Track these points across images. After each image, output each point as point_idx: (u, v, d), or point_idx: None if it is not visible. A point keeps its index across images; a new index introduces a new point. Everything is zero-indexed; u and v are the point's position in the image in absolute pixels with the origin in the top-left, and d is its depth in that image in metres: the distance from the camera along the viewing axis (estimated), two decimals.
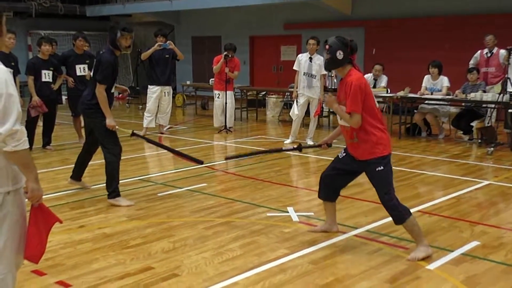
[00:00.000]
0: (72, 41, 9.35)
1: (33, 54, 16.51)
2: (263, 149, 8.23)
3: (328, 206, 4.60)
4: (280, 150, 5.26)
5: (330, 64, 4.22)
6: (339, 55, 4.12)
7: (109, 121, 5.49)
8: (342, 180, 4.46)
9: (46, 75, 8.58)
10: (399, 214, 4.11)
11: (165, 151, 8.77)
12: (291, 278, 3.75)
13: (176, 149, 6.17)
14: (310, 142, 9.11)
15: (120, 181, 5.94)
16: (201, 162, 5.98)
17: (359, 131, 4.10)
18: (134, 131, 5.91)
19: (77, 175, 6.12)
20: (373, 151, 4.09)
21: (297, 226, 4.89)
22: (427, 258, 4.09)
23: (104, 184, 5.80)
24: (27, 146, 2.61)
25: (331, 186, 4.45)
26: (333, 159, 4.52)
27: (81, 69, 9.03)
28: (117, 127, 5.58)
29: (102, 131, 5.55)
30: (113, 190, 5.59)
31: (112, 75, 5.57)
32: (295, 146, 4.92)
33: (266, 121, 12.99)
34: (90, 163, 6.17)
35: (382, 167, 4.09)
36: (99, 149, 5.89)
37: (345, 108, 4.09)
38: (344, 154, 4.36)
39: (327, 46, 4.18)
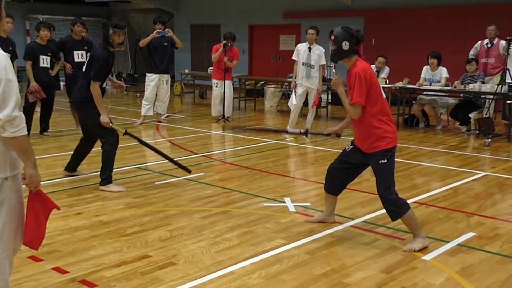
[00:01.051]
0: (70, 27, 9.31)
1: (31, 39, 16.46)
2: (257, 143, 8.22)
3: (330, 199, 4.60)
4: (285, 131, 5.24)
5: (336, 55, 4.14)
6: (345, 45, 4.04)
7: (103, 118, 5.53)
8: (349, 174, 4.43)
9: (44, 61, 8.55)
10: (397, 210, 4.09)
11: (163, 140, 8.78)
12: (287, 268, 3.76)
13: (166, 155, 6.16)
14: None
15: (118, 169, 5.97)
16: (189, 171, 6.02)
17: (363, 124, 4.07)
18: (127, 131, 5.89)
19: (73, 167, 6.15)
20: (378, 144, 4.06)
21: (294, 217, 4.90)
22: (423, 249, 4.11)
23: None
24: (25, 132, 2.61)
25: (338, 179, 4.43)
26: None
27: (79, 55, 8.99)
28: (111, 124, 5.58)
29: (97, 122, 5.56)
30: (106, 177, 5.66)
31: (105, 71, 5.57)
32: (302, 131, 4.84)
33: (264, 111, 12.98)
34: None
35: (385, 160, 4.06)
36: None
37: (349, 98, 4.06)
38: (351, 147, 4.33)
39: (332, 37, 4.10)
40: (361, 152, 4.22)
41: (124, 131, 5.84)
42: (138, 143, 6.05)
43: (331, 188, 4.51)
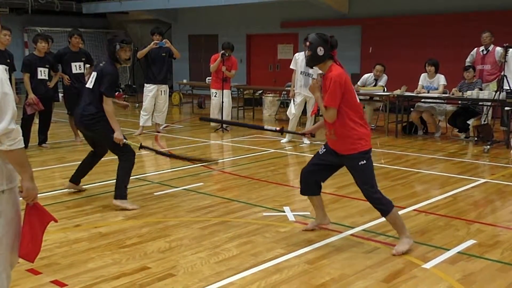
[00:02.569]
0: (67, 39, 9.32)
1: (29, 51, 16.48)
2: (254, 149, 8.23)
3: (314, 201, 4.66)
4: (262, 128, 5.32)
5: (311, 61, 4.28)
6: (320, 51, 4.18)
7: (117, 135, 5.34)
8: (323, 174, 4.53)
9: (42, 73, 8.56)
10: (384, 207, 4.20)
11: (162, 150, 8.77)
12: (287, 278, 3.74)
13: (189, 157, 6.10)
14: (306, 141, 9.11)
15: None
16: (216, 162, 5.89)
17: (340, 126, 4.16)
18: (142, 144, 5.86)
19: (76, 178, 5.96)
20: (355, 147, 4.16)
21: (293, 226, 4.89)
22: (422, 257, 4.10)
23: (100, 183, 5.82)
24: (22, 145, 2.60)
25: (312, 181, 4.52)
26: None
27: (77, 67, 8.99)
28: (124, 140, 5.42)
29: (110, 139, 5.38)
30: (121, 192, 5.43)
31: (115, 87, 5.49)
32: (278, 129, 4.90)
33: (262, 120, 12.98)
34: None
35: (364, 161, 4.17)
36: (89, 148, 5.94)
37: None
38: (324, 150, 4.42)
39: (307, 43, 4.25)
40: (335, 154, 4.30)
41: (139, 145, 5.76)
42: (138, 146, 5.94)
43: (308, 191, 4.57)
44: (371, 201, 4.24)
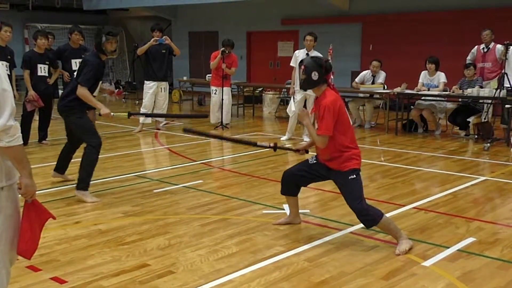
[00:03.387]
0: (68, 35, 9.31)
1: (30, 48, 16.47)
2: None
3: (290, 200, 4.74)
4: (254, 144, 5.31)
5: (306, 85, 4.35)
6: (314, 75, 4.24)
7: (103, 110, 5.57)
8: (306, 181, 4.61)
9: (42, 69, 8.55)
10: (370, 218, 4.19)
11: (162, 147, 8.77)
12: (286, 275, 3.74)
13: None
14: (306, 139, 9.10)
15: (116, 177, 5.95)
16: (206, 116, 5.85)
17: (332, 151, 4.23)
18: (130, 112, 5.92)
19: (60, 168, 6.16)
20: (346, 164, 4.22)
21: (293, 224, 4.87)
22: (422, 255, 4.10)
23: (100, 180, 5.82)
24: (21, 141, 2.59)
25: (292, 183, 4.60)
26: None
27: (77, 63, 8.91)
28: (112, 113, 5.63)
29: (79, 126, 5.62)
30: (82, 180, 5.54)
31: (95, 78, 5.55)
32: (271, 145, 4.90)
33: (262, 117, 12.98)
34: None
35: (354, 176, 4.21)
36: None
37: (316, 128, 4.24)
38: (314, 161, 4.46)
39: (302, 67, 4.31)
40: (326, 168, 4.35)
41: (127, 113, 5.87)
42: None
43: (286, 191, 4.66)
44: (357, 213, 4.20)
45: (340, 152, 4.21)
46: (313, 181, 4.61)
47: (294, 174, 4.57)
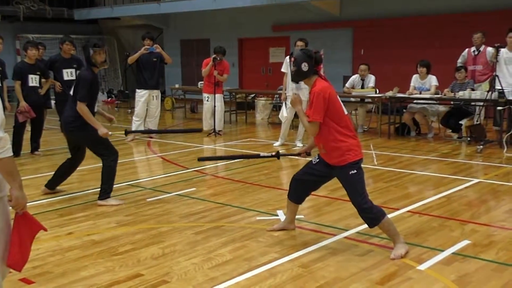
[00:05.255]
0: (59, 45, 9.28)
1: (21, 58, 16.42)
2: (247, 152, 8.21)
3: (291, 206, 4.73)
4: (257, 157, 5.39)
5: (296, 76, 4.37)
6: (304, 67, 4.25)
7: (101, 130, 5.58)
8: (313, 184, 4.58)
9: (33, 80, 8.51)
10: (374, 216, 4.19)
11: (154, 155, 8.75)
12: (281, 282, 3.72)
13: (174, 129, 6.14)
14: (299, 144, 9.11)
15: None
16: (200, 130, 5.92)
17: (328, 140, 4.20)
18: (127, 130, 5.93)
19: (53, 185, 6.13)
20: (345, 158, 4.19)
21: (287, 230, 4.86)
22: (417, 258, 4.09)
23: (93, 190, 5.81)
24: (11, 153, 2.57)
25: (302, 189, 4.58)
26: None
27: (69, 74, 8.96)
28: (110, 133, 5.68)
29: (94, 142, 5.66)
30: (106, 192, 5.72)
31: (91, 92, 5.59)
32: (273, 154, 4.98)
33: (255, 123, 12.97)
34: (79, 168, 6.16)
35: (355, 171, 4.19)
36: (86, 155, 6.02)
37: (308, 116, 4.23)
38: (317, 160, 4.45)
39: (292, 59, 4.33)
40: (328, 165, 4.33)
41: (124, 131, 5.93)
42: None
43: (295, 197, 4.64)
44: (361, 211, 4.20)
45: (336, 142, 4.17)
46: (320, 183, 4.56)
47: (302, 179, 4.53)
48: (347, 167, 4.18)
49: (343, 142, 4.17)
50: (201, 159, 5.63)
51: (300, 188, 4.56)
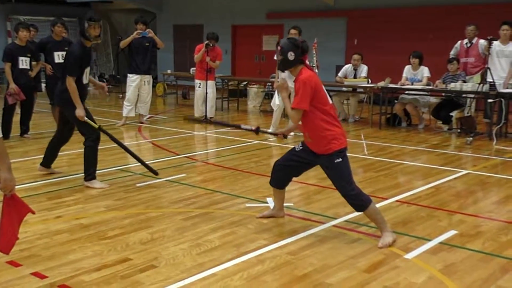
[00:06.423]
0: (50, 27, 9.19)
1: (12, 40, 16.26)
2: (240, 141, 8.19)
3: (277, 193, 4.74)
4: (238, 127, 5.47)
5: (282, 65, 4.35)
6: (290, 56, 4.24)
7: (78, 112, 5.62)
8: (296, 171, 4.59)
9: (24, 62, 8.44)
10: (361, 203, 4.23)
11: (145, 141, 8.73)
12: (269, 269, 3.74)
13: (136, 155, 6.19)
14: (291, 133, 9.11)
15: (98, 171, 5.91)
16: (156, 173, 6.06)
17: (313, 129, 4.22)
18: (101, 127, 5.87)
19: (47, 162, 6.20)
20: (330, 147, 4.20)
21: (276, 217, 4.87)
22: (404, 247, 4.12)
23: (82, 174, 5.80)
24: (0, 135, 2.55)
25: (284, 176, 4.59)
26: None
27: (60, 56, 8.84)
28: (86, 118, 5.67)
29: (76, 119, 5.71)
30: (89, 173, 5.77)
31: (80, 66, 5.63)
32: (254, 128, 4.97)
33: (247, 111, 12.95)
34: (68, 152, 6.16)
35: (340, 159, 4.21)
36: (74, 138, 6.10)
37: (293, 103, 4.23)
38: (301, 148, 4.47)
39: (279, 48, 4.31)
40: (312, 153, 4.35)
41: (97, 126, 5.82)
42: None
43: (277, 183, 4.64)
44: (348, 198, 4.24)
45: (322, 131, 4.19)
46: (302, 169, 4.57)
47: (284, 166, 4.55)
48: (333, 155, 4.20)
49: (328, 131, 4.19)
50: (189, 119, 5.70)
51: (282, 174, 4.58)
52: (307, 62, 4.41)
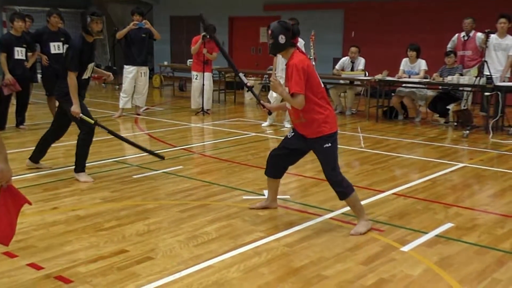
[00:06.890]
0: (46, 18, 9.13)
1: (8, 30, 16.17)
2: (236, 131, 8.18)
3: (272, 184, 4.74)
4: (237, 73, 5.67)
5: (273, 48, 4.32)
6: (281, 39, 4.22)
7: (74, 108, 5.58)
8: (291, 159, 4.61)
9: (19, 52, 8.38)
10: (344, 190, 4.28)
11: (142, 133, 8.71)
12: (266, 261, 3.74)
13: (138, 144, 6.18)
14: (287, 125, 9.10)
15: (95, 163, 5.91)
16: (162, 158, 6.08)
17: (306, 111, 4.21)
18: (97, 121, 5.85)
19: (37, 157, 6.12)
20: (321, 130, 4.22)
21: (273, 209, 4.87)
22: (400, 240, 4.13)
23: None
24: None
25: (279, 165, 4.60)
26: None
27: (56, 47, 8.82)
28: (81, 115, 5.62)
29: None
30: (78, 164, 5.75)
31: (81, 61, 5.57)
32: (248, 84, 5.06)
33: (244, 103, 12.93)
34: (65, 143, 6.13)
35: (329, 144, 4.24)
36: (71, 130, 6.02)
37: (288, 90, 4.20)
38: (292, 134, 4.48)
39: (269, 31, 4.28)
40: (303, 138, 4.36)
41: (93, 122, 5.79)
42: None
43: (272, 172, 4.65)
44: (331, 183, 4.30)
45: (315, 114, 4.19)
46: (297, 157, 4.59)
47: (279, 154, 4.56)
48: (322, 139, 4.22)
49: (320, 114, 4.20)
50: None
51: (277, 163, 4.58)
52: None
